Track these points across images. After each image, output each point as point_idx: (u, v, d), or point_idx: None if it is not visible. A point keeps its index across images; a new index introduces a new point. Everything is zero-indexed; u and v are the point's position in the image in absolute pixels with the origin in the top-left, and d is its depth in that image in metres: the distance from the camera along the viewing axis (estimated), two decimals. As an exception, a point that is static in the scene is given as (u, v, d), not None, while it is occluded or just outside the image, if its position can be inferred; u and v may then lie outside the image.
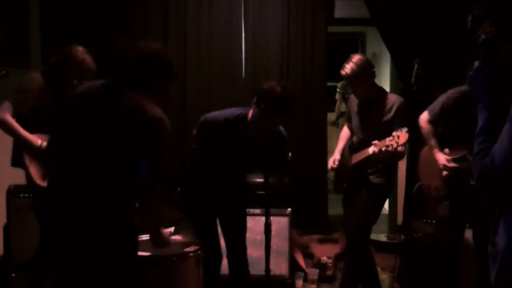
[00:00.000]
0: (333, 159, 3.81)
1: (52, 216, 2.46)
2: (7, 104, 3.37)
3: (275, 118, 3.07)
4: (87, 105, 2.42)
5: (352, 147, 3.73)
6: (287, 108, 3.05)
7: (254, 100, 3.10)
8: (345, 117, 4.06)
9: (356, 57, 3.55)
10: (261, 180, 3.10)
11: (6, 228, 3.99)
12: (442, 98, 3.52)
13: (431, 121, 3.56)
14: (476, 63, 1.86)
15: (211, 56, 5.35)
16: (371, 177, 3.58)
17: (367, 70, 3.53)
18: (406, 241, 3.35)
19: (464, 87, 3.41)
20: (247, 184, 3.70)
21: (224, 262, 3.46)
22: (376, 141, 3.38)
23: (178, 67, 5.25)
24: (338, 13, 5.77)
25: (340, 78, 7.38)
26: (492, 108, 1.80)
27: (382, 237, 5.63)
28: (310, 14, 5.37)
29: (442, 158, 3.46)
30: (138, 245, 2.57)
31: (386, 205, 6.60)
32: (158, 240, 2.60)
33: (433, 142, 3.54)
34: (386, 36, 4.96)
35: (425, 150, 3.68)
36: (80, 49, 3.48)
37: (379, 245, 5.45)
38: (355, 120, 3.72)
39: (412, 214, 3.74)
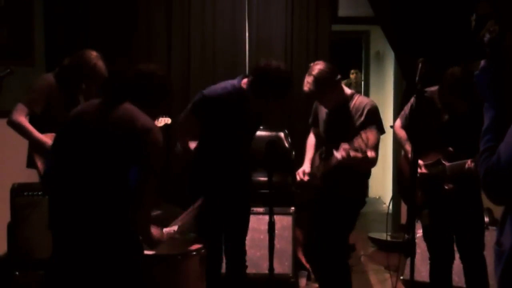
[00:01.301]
0: (302, 171, 3.50)
1: (55, 227, 2.50)
2: (21, 106, 3.41)
3: (277, 94, 3.08)
4: (83, 123, 2.46)
5: (322, 157, 3.50)
6: (288, 82, 3.07)
7: (251, 79, 3.11)
8: (311, 120, 3.66)
9: (316, 69, 3.19)
10: (265, 178, 3.09)
11: (10, 226, 4.00)
12: (411, 100, 3.40)
13: (404, 126, 3.49)
14: (482, 62, 1.86)
15: (215, 56, 5.35)
16: (341, 188, 3.36)
17: (331, 80, 3.22)
18: (410, 241, 3.33)
19: (433, 87, 3.34)
20: (252, 179, 3.64)
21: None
22: (344, 145, 3.10)
23: (182, 67, 5.34)
24: (342, 11, 5.76)
25: (344, 77, 7.45)
26: (498, 107, 1.79)
27: (386, 236, 5.62)
28: (313, 12, 5.36)
29: None
30: (142, 252, 2.58)
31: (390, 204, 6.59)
32: (150, 242, 2.62)
33: (407, 147, 3.42)
34: (390, 34, 4.96)
35: (402, 159, 3.62)
36: (94, 54, 3.51)
37: (382, 244, 5.46)
38: (323, 127, 3.47)
39: (415, 214, 3.72)
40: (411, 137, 3.41)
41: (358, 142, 3.02)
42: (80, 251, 2.44)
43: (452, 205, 3.32)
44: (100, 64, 3.50)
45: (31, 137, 3.39)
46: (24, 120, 3.39)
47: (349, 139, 3.13)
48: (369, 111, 3.25)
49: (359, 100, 3.33)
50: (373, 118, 3.25)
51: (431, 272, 3.52)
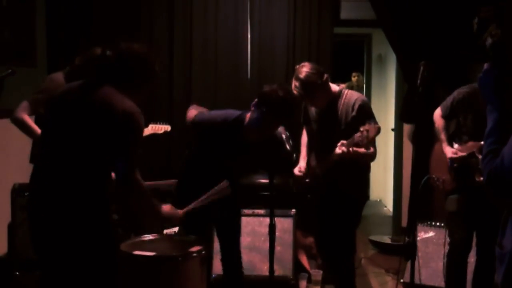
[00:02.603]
0: (299, 168, 3.57)
1: (31, 212, 2.48)
2: (25, 104, 3.44)
3: (276, 122, 3.04)
4: (65, 102, 2.45)
5: (318, 154, 3.53)
6: (290, 112, 3.02)
7: (254, 103, 3.08)
8: (302, 119, 3.68)
9: (303, 72, 3.23)
10: (266, 181, 3.08)
11: (10, 227, 4.01)
12: (454, 93, 3.55)
13: (443, 116, 3.58)
14: (486, 65, 1.86)
15: (216, 57, 5.35)
16: (343, 185, 3.39)
17: (319, 82, 3.25)
18: (410, 244, 3.34)
19: (476, 84, 3.44)
20: (242, 185, 3.63)
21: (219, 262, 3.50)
22: (343, 141, 3.18)
23: (184, 68, 5.35)
24: (344, 14, 5.76)
25: (345, 79, 7.45)
26: (502, 110, 1.79)
27: (386, 239, 5.62)
28: (316, 15, 5.37)
29: (449, 151, 3.46)
30: (115, 241, 2.55)
31: (390, 207, 6.59)
32: (164, 221, 2.72)
33: (442, 136, 3.55)
34: (392, 37, 4.96)
35: (438, 145, 3.69)
36: None
37: (383, 247, 5.46)
38: (315, 126, 3.52)
39: (417, 216, 3.73)
40: (446, 129, 3.58)
41: (357, 136, 3.07)
42: (51, 235, 2.40)
43: (481, 197, 3.32)
44: None
45: (33, 135, 3.40)
46: (26, 118, 3.40)
47: (342, 136, 3.20)
48: (360, 106, 3.30)
49: (348, 96, 3.38)
50: (365, 112, 3.29)
51: (449, 263, 3.54)
